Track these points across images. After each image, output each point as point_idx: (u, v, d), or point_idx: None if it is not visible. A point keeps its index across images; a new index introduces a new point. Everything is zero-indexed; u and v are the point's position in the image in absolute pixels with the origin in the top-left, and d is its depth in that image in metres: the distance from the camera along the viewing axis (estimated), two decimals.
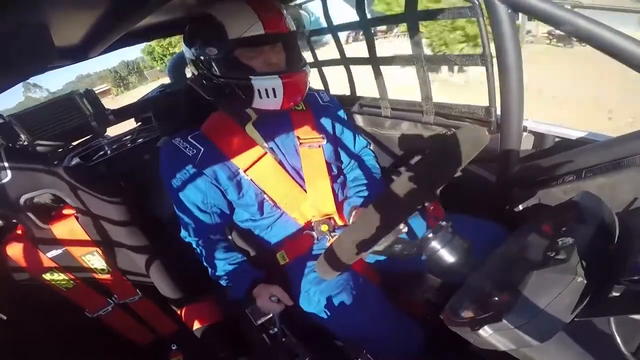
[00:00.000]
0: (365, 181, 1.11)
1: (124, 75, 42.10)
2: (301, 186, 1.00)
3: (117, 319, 1.27)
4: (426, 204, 0.60)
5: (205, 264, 1.00)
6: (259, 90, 0.91)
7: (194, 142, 0.97)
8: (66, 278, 1.12)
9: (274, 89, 0.91)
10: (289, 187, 0.99)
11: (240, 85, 0.92)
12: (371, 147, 1.22)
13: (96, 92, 1.46)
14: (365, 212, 0.54)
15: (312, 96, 1.13)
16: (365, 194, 1.06)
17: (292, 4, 1.30)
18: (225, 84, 0.93)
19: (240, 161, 0.96)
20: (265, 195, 0.98)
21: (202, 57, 0.93)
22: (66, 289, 1.13)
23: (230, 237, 1.18)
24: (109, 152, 1.49)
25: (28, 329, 1.08)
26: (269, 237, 1.05)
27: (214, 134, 0.98)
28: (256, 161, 0.97)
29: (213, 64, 0.92)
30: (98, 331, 1.24)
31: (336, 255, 0.53)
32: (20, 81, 0.61)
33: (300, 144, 1.02)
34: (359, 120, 1.48)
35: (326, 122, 1.11)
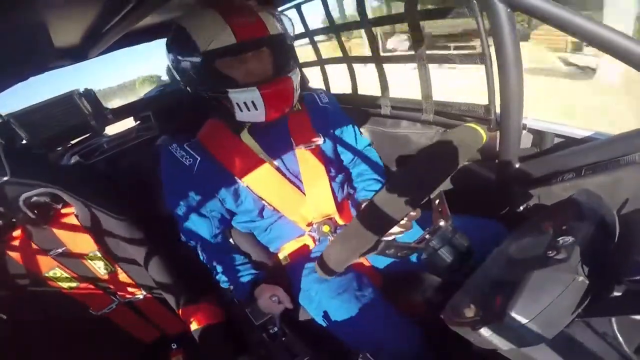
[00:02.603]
0: (373, 175, 1.08)
1: None
2: (300, 189, 0.99)
3: (121, 317, 1.27)
4: (431, 198, 0.59)
5: (206, 265, 0.99)
6: (237, 104, 0.86)
7: (190, 151, 0.95)
8: (69, 277, 1.12)
9: (253, 102, 0.85)
10: (288, 193, 0.98)
11: (219, 98, 0.87)
12: (373, 146, 1.20)
13: None
14: (355, 219, 0.54)
15: (310, 96, 1.10)
16: (376, 186, 1.04)
17: (288, 5, 1.29)
18: (206, 95, 0.90)
19: (237, 170, 0.94)
20: (264, 202, 0.97)
21: (179, 68, 0.90)
22: (69, 287, 1.13)
23: (231, 238, 1.18)
24: (108, 150, 1.48)
25: (32, 327, 1.08)
26: (270, 238, 1.04)
27: (210, 143, 0.96)
28: (253, 169, 0.94)
29: (192, 74, 0.88)
30: (100, 329, 1.24)
31: (326, 263, 0.54)
32: (20, 81, 0.61)
33: (297, 146, 1.00)
34: (360, 118, 1.47)
35: (324, 123, 1.07)
